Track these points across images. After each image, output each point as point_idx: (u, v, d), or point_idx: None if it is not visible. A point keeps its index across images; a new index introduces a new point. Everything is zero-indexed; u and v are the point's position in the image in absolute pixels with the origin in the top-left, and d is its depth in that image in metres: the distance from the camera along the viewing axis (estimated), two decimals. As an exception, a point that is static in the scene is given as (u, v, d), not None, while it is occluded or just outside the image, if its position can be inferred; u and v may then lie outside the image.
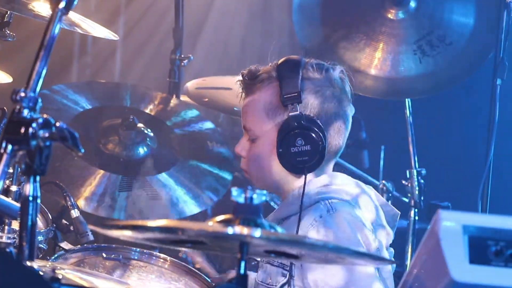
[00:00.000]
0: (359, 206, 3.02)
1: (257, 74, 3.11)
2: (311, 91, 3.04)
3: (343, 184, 3.06)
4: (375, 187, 4.46)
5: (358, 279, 2.88)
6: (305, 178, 3.01)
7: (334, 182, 3.06)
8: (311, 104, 3.04)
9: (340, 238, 2.91)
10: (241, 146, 3.16)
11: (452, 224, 1.86)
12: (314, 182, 3.05)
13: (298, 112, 3.00)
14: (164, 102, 4.30)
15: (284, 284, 2.97)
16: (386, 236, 3.06)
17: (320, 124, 3.02)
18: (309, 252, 2.06)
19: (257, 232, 1.85)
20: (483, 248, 1.85)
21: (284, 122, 3.02)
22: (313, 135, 3.01)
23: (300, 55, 3.15)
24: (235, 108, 4.52)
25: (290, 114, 3.01)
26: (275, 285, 2.99)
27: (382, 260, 2.56)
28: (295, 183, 3.07)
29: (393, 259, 3.13)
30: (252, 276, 3.20)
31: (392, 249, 3.11)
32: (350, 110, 3.14)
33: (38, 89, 2.14)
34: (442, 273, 1.85)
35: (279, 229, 1.98)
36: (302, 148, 3.01)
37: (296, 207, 2.99)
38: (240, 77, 3.16)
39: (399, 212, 3.18)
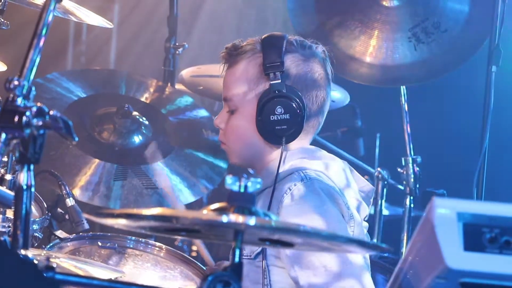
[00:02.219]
0: (333, 178, 3.04)
1: (240, 46, 3.14)
2: (293, 63, 3.08)
3: (319, 157, 3.08)
4: (371, 175, 4.48)
5: (343, 281, 2.88)
6: (282, 146, 3.02)
7: (311, 155, 3.07)
8: (293, 76, 3.07)
9: (313, 206, 2.92)
10: (220, 118, 3.18)
11: (446, 211, 1.86)
12: (290, 156, 3.07)
13: (279, 81, 3.02)
14: (159, 90, 4.29)
15: (259, 253, 2.98)
16: (362, 211, 3.07)
17: (300, 94, 3.03)
18: (304, 240, 2.05)
19: (252, 220, 1.85)
20: (477, 235, 1.86)
21: (265, 90, 3.05)
22: (293, 104, 3.02)
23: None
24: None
25: (271, 82, 3.03)
26: (250, 255, 3.00)
27: (379, 248, 2.55)
28: (272, 155, 3.09)
29: (368, 234, 3.15)
30: None
31: (366, 224, 3.12)
32: (329, 89, 3.15)
33: (31, 77, 2.13)
34: (436, 261, 1.85)
35: (274, 217, 1.98)
36: (281, 116, 3.02)
37: (272, 179, 3.00)
38: (222, 51, 3.18)
39: (374, 187, 3.20)
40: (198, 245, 3.67)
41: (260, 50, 3.09)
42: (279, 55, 3.05)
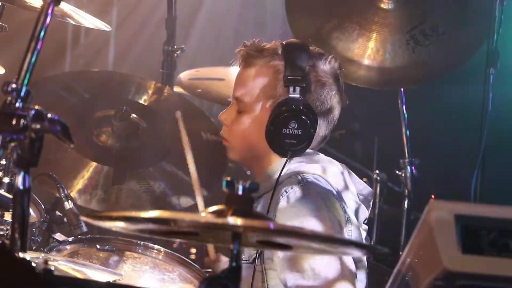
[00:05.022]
0: (331, 181, 3.03)
1: (261, 47, 3.10)
2: (313, 78, 3.05)
3: (316, 161, 3.07)
4: (369, 177, 4.48)
5: (345, 269, 2.88)
6: (286, 161, 3.02)
7: (308, 158, 3.07)
8: (310, 91, 3.04)
9: (309, 209, 2.91)
10: (227, 114, 3.16)
11: (444, 213, 1.86)
12: (290, 162, 3.06)
13: (298, 96, 3.00)
14: (157, 92, 4.29)
15: (256, 258, 2.98)
16: (360, 214, 3.07)
17: (316, 112, 3.02)
18: (302, 243, 2.05)
19: (249, 223, 1.85)
20: (476, 238, 1.86)
21: (282, 102, 3.02)
22: (308, 121, 3.00)
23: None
24: (228, 99, 4.52)
25: (291, 95, 3.00)
26: (248, 260, 3.00)
27: (375, 250, 2.55)
28: (271, 160, 3.08)
29: (367, 237, 3.14)
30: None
31: (366, 226, 3.12)
32: (342, 105, 3.15)
33: (29, 80, 2.13)
34: (435, 263, 1.85)
35: (272, 220, 1.98)
36: (293, 131, 3.00)
37: (271, 184, 3.00)
38: (242, 47, 3.14)
39: (373, 190, 3.20)
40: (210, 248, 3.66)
41: (282, 58, 3.05)
42: (301, 68, 3.01)
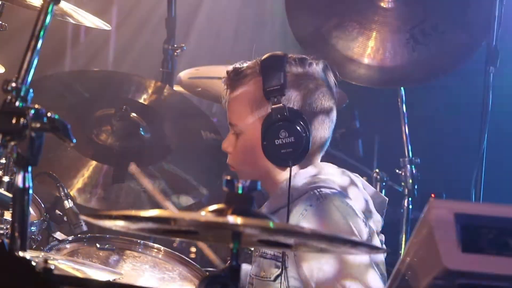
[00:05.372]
0: (348, 194, 3.03)
1: (241, 69, 3.13)
2: (293, 85, 3.06)
3: (331, 174, 3.07)
4: (369, 176, 4.48)
5: (353, 266, 2.88)
6: (290, 170, 3.02)
7: (322, 172, 3.07)
8: (294, 97, 3.05)
9: (331, 225, 2.92)
10: (228, 142, 3.18)
11: (444, 212, 1.86)
12: (302, 174, 3.06)
13: (281, 105, 3.01)
14: (157, 91, 4.29)
15: (278, 276, 2.98)
16: (376, 223, 3.07)
17: (304, 116, 3.03)
18: (302, 241, 2.05)
19: (250, 222, 1.85)
20: (475, 236, 1.86)
21: (268, 115, 3.04)
22: (297, 127, 3.02)
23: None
24: (225, 98, 4.52)
25: (273, 106, 3.02)
26: (269, 278, 3.00)
27: (375, 249, 2.56)
28: (282, 176, 3.08)
29: (384, 245, 3.14)
30: (244, 267, 3.21)
31: (382, 236, 3.12)
32: (334, 103, 3.15)
33: (29, 79, 2.14)
34: (435, 262, 1.85)
35: (272, 219, 1.98)
36: (286, 140, 3.01)
37: (285, 199, 2.99)
38: (224, 76, 3.18)
39: (387, 199, 3.20)
40: (203, 247, 3.65)
41: (260, 73, 3.08)
42: (278, 77, 3.04)
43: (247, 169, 3.14)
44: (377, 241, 3.04)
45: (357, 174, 3.15)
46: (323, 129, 3.10)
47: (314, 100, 3.08)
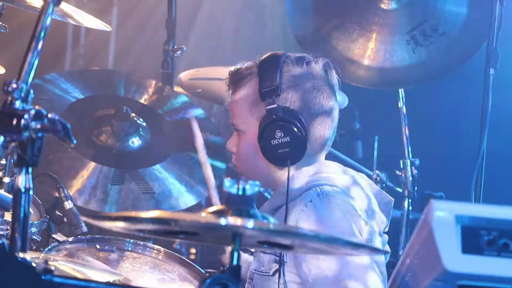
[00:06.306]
0: (350, 192, 3.03)
1: (240, 71, 3.15)
2: (290, 85, 3.07)
3: (333, 172, 3.08)
4: (369, 177, 4.48)
5: (353, 267, 2.88)
6: (289, 169, 3.02)
7: (324, 170, 3.07)
8: (290, 97, 3.06)
9: (330, 222, 2.92)
10: (232, 142, 3.20)
11: (445, 214, 1.86)
12: (304, 172, 3.07)
13: (275, 105, 3.02)
14: (158, 91, 4.29)
15: (277, 271, 2.98)
16: (379, 223, 3.07)
17: (299, 115, 3.04)
18: (302, 243, 2.06)
19: (250, 223, 1.85)
20: (475, 238, 1.86)
21: (264, 116, 3.05)
22: (292, 126, 3.03)
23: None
24: (228, 99, 4.52)
25: (268, 107, 3.03)
26: (268, 272, 3.01)
27: (376, 251, 2.56)
28: (284, 175, 3.09)
29: (387, 245, 3.14)
30: (245, 258, 3.23)
31: (386, 236, 3.12)
32: (335, 101, 3.15)
33: (30, 80, 2.14)
34: (435, 263, 1.85)
35: (272, 220, 1.98)
36: (282, 140, 3.03)
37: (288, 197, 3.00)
38: (226, 78, 3.21)
39: (393, 199, 3.20)
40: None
41: (257, 74, 3.10)
42: (273, 78, 3.05)
43: (250, 169, 3.15)
44: (378, 241, 3.04)
45: (362, 174, 3.15)
46: (323, 128, 3.10)
47: (312, 100, 3.08)
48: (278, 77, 3.05)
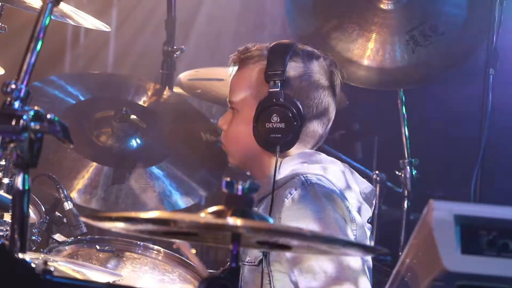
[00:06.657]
0: (335, 183, 3.04)
1: (249, 50, 3.16)
2: (296, 74, 3.09)
3: (318, 162, 3.08)
4: (369, 178, 4.48)
5: (346, 267, 2.88)
6: (277, 154, 3.02)
7: (309, 159, 3.08)
8: (294, 86, 3.07)
9: (314, 210, 2.92)
10: (224, 120, 3.21)
11: (444, 214, 1.86)
12: (289, 161, 3.08)
13: (278, 89, 3.02)
14: (157, 93, 4.29)
15: (261, 260, 2.98)
16: (365, 213, 3.07)
17: (299, 104, 3.04)
18: (302, 243, 2.05)
19: (249, 223, 1.85)
20: (475, 238, 1.86)
21: (265, 98, 3.06)
22: (289, 113, 3.03)
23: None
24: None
25: (271, 90, 3.04)
26: (254, 262, 3.01)
27: (374, 251, 2.56)
28: (270, 163, 3.09)
29: (373, 237, 3.14)
30: None
31: (369, 226, 3.12)
32: (334, 101, 3.16)
33: (29, 81, 2.13)
34: (434, 263, 1.85)
35: (271, 220, 1.98)
36: (276, 125, 3.03)
37: (271, 186, 3.00)
38: (234, 53, 3.21)
39: (374, 188, 3.21)
40: (190, 255, 3.62)
41: (266, 57, 3.11)
42: (282, 63, 3.06)
43: (236, 149, 3.17)
44: (365, 231, 3.04)
45: (345, 164, 3.15)
46: (318, 124, 3.11)
47: (314, 94, 3.09)
48: (287, 63, 3.06)
